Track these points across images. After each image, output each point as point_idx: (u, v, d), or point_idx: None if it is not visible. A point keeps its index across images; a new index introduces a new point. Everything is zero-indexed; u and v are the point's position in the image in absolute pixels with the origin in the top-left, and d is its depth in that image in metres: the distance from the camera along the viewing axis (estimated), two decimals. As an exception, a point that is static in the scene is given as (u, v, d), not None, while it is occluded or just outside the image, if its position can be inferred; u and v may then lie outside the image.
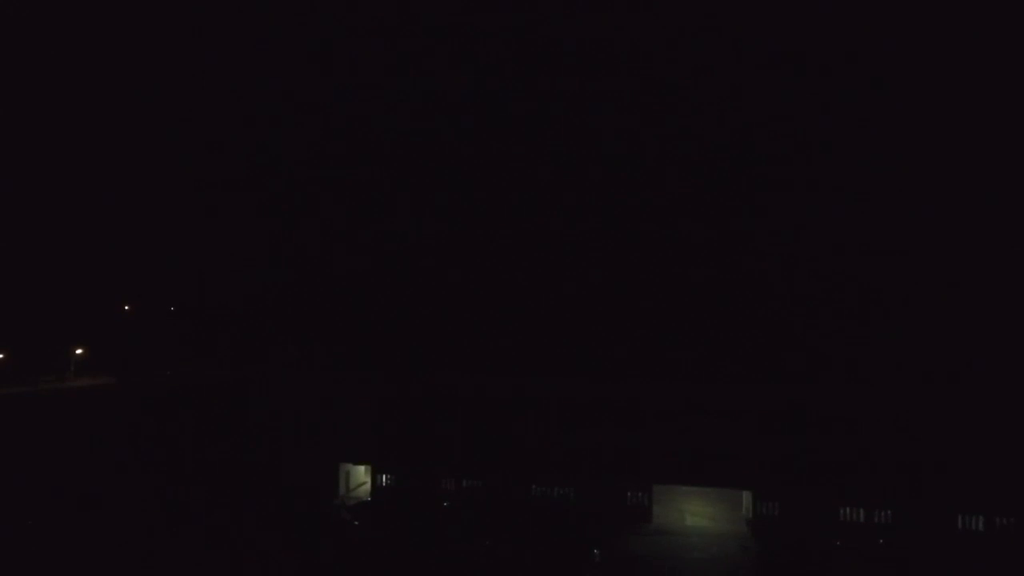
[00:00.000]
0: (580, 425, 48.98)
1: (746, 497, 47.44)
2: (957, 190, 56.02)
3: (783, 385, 47.34)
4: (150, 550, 38.93)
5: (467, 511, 45.90)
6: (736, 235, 57.97)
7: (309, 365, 59.60)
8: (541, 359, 54.47)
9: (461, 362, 55.45)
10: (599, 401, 49.09)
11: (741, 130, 62.17)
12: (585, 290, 58.95)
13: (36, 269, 77.52)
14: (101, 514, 44.39)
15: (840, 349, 51.10)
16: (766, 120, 61.97)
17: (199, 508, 46.40)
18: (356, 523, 44.07)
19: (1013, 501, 41.62)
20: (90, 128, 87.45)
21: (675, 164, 62.38)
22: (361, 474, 56.31)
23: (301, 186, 75.06)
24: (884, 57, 60.23)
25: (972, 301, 51.70)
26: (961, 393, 44.43)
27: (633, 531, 45.31)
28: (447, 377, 52.46)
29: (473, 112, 70.23)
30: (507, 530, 41.53)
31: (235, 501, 47.91)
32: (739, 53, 63.61)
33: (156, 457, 54.57)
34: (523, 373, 52.34)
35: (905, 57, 59.61)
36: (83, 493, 47.34)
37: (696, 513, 49.47)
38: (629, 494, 48.05)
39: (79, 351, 68.90)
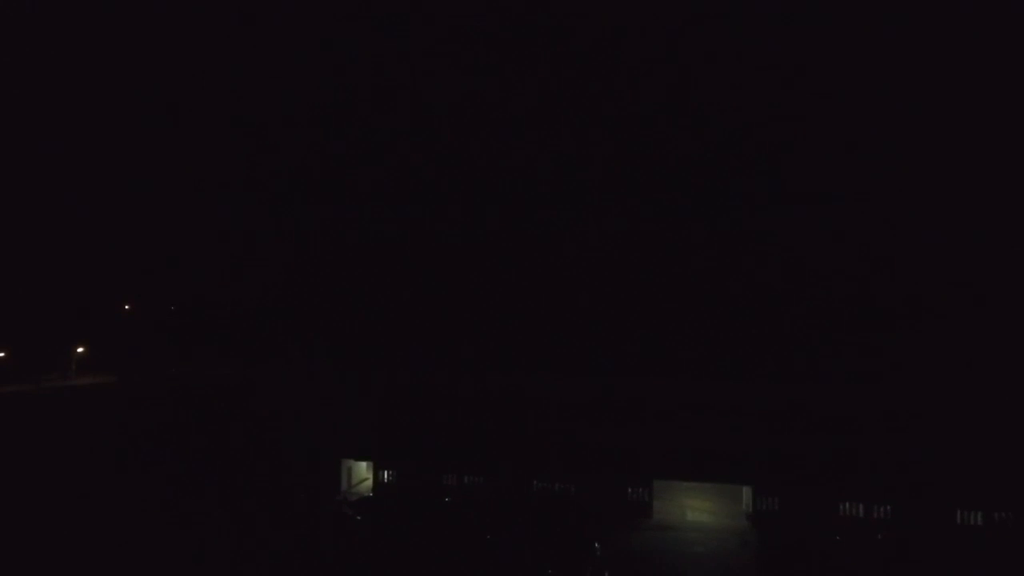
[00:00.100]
0: (581, 422, 49.28)
1: (746, 493, 47.72)
2: (958, 189, 56.27)
3: (783, 382, 47.63)
4: (153, 546, 39.07)
5: (468, 507, 46.11)
6: (736, 232, 58.21)
7: (311, 362, 59.74)
8: (542, 356, 54.67)
9: (463, 359, 55.65)
10: (600, 398, 49.39)
11: (741, 126, 62.42)
12: (586, 287, 59.17)
13: (37, 268, 77.65)
14: (103, 512, 44.49)
15: (839, 346, 51.32)
16: (767, 117, 62.22)
17: (201, 505, 46.54)
18: (358, 518, 44.27)
19: (1012, 496, 41.92)
20: (90, 127, 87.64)
21: (676, 160, 62.63)
22: (363, 470, 56.52)
23: (303, 184, 75.24)
24: (884, 56, 60.53)
25: (971, 299, 51.95)
26: (960, 389, 44.75)
27: (634, 527, 45.56)
28: (449, 374, 52.74)
29: (473, 111, 70.47)
30: (508, 526, 41.73)
31: (237, 498, 48.08)
32: (739, 52, 63.92)
33: (158, 454, 54.69)
34: (524, 370, 52.60)
35: (906, 56, 59.92)
36: (84, 491, 47.41)
37: (696, 508, 49.74)
38: (630, 490, 48.29)
39: (80, 349, 69.06)
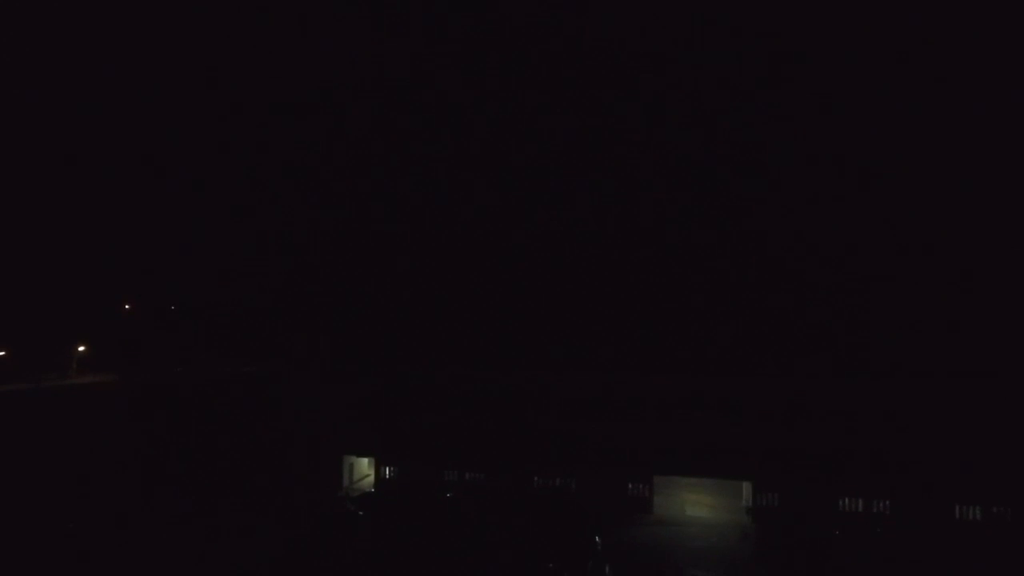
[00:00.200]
0: (581, 417, 49.50)
1: (746, 488, 47.91)
2: (958, 186, 56.64)
3: (783, 377, 47.91)
4: (155, 544, 39.13)
5: (470, 502, 46.21)
6: (736, 229, 58.52)
7: (313, 359, 59.93)
8: (543, 353, 54.94)
9: (464, 356, 55.90)
10: (600, 394, 49.64)
11: (742, 123, 62.78)
12: (586, 284, 59.43)
13: (37, 266, 77.66)
14: (105, 510, 44.53)
15: (838, 342, 51.63)
16: (769, 114, 62.57)
17: (203, 502, 46.62)
18: (360, 513, 44.37)
19: (1010, 491, 42.18)
20: (90, 127, 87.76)
21: (677, 157, 62.94)
22: (365, 466, 56.69)
23: (305, 183, 75.45)
24: (884, 57, 60.93)
25: (970, 295, 52.29)
26: (959, 385, 45.05)
27: (634, 522, 45.73)
28: (450, 371, 52.98)
29: (473, 109, 70.74)
30: (509, 520, 41.83)
31: (241, 494, 48.17)
32: (738, 52, 64.29)
33: (159, 452, 54.73)
34: (525, 366, 52.86)
35: (905, 57, 60.33)
36: (85, 490, 47.42)
37: (696, 504, 49.93)
38: (630, 485, 48.48)
39: (81, 348, 69.00)
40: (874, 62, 60.85)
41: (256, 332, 69.55)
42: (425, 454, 51.59)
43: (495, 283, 61.58)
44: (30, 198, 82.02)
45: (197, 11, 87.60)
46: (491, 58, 71.29)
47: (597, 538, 39.23)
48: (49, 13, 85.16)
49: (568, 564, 37.42)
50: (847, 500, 44.84)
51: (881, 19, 60.99)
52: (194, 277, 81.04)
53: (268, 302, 71.19)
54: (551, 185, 64.81)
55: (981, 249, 53.79)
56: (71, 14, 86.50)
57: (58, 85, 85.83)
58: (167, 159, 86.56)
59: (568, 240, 61.99)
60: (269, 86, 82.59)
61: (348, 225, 70.23)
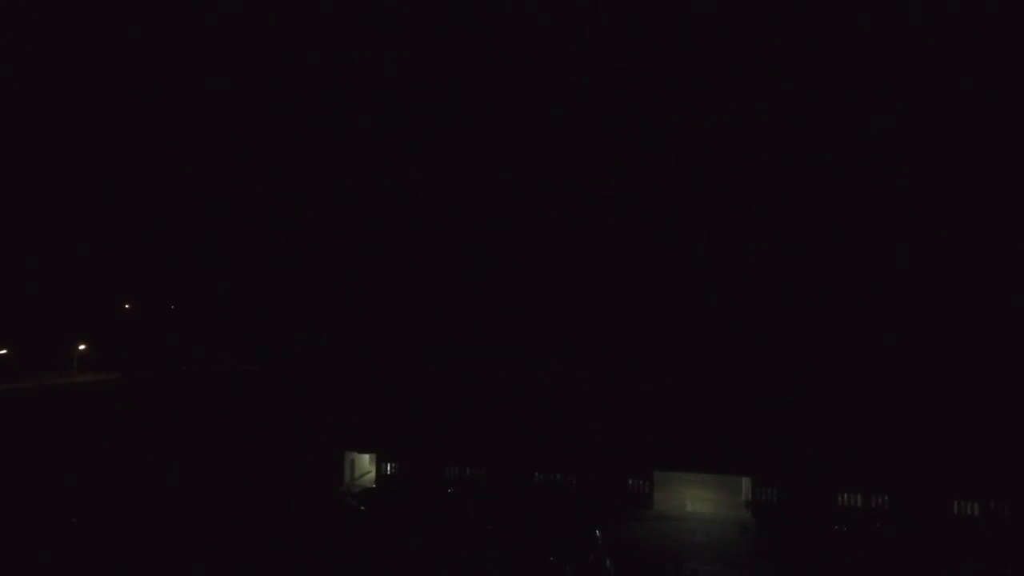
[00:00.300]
0: (582, 413, 49.68)
1: (746, 483, 48.12)
2: (959, 184, 56.91)
3: (783, 373, 48.15)
4: (158, 542, 39.19)
5: (471, 498, 46.35)
6: (736, 226, 58.80)
7: (314, 356, 60.08)
8: (544, 348, 55.14)
9: (464, 352, 56.08)
10: (601, 389, 49.83)
11: (742, 120, 63.06)
12: (587, 280, 59.67)
13: (38, 265, 77.75)
14: (107, 508, 44.58)
15: (838, 338, 51.88)
16: (770, 110, 62.85)
17: (205, 499, 46.70)
18: (362, 509, 44.53)
19: (1008, 487, 42.44)
20: (91, 126, 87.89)
21: (677, 152, 63.22)
22: (366, 463, 56.85)
23: (305, 181, 75.64)
24: (884, 57, 61.26)
25: (969, 292, 52.56)
26: (957, 381, 45.28)
27: (634, 517, 45.92)
28: (450, 367, 53.16)
29: (474, 109, 71.00)
30: (510, 516, 42.00)
31: (242, 491, 48.28)
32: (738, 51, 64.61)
33: (161, 450, 54.81)
34: (525, 362, 53.05)
35: (905, 56, 60.65)
36: (86, 488, 47.45)
37: (696, 499, 50.16)
38: (630, 481, 48.67)
39: (82, 347, 69.07)
40: (874, 62, 61.21)
41: (256, 331, 69.68)
42: (426, 450, 51.74)
43: (495, 280, 61.80)
44: (30, 198, 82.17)
45: (197, 11, 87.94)
46: (491, 58, 71.59)
47: (598, 533, 39.44)
48: (49, 13, 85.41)
49: (569, 559, 37.62)
50: (846, 496, 45.06)
51: (881, 19, 61.36)
52: (194, 277, 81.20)
53: (268, 301, 71.33)
54: (551, 183, 65.09)
55: (980, 248, 54.09)
56: (71, 14, 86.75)
57: (58, 85, 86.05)
58: (167, 159, 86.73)
59: (568, 237, 62.24)
60: (269, 86, 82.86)
61: (348, 224, 70.44)
